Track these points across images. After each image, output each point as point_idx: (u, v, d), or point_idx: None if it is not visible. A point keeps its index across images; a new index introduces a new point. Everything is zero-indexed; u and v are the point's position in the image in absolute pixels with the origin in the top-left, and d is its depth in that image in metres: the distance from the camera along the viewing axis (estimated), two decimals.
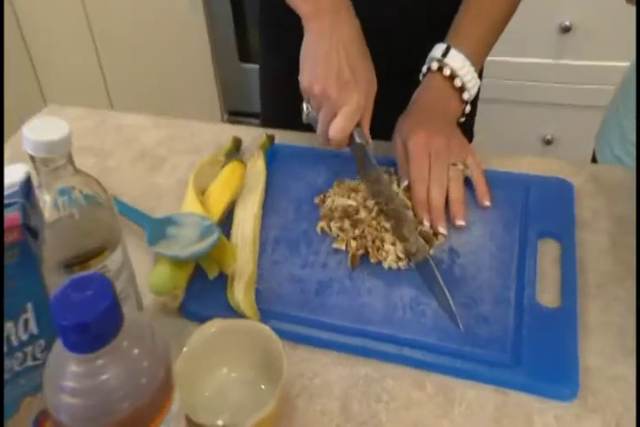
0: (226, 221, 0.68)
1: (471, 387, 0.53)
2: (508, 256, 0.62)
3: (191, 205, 0.67)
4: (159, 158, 0.82)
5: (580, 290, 0.59)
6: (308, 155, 0.76)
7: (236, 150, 0.79)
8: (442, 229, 0.64)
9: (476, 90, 0.73)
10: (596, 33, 1.51)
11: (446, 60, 0.71)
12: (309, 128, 0.81)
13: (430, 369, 0.54)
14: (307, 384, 0.54)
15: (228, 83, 1.96)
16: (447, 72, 0.71)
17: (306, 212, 0.69)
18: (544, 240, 0.64)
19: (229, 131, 0.84)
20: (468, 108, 0.74)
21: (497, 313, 0.57)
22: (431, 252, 0.63)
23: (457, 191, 0.67)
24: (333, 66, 0.64)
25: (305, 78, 0.66)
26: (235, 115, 2.03)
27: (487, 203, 0.67)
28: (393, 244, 0.62)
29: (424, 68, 0.74)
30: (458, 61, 0.71)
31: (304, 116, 0.71)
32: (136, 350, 0.38)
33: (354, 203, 0.66)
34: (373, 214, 0.65)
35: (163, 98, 1.97)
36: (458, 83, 0.71)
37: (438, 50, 0.72)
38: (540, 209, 0.66)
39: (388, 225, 0.64)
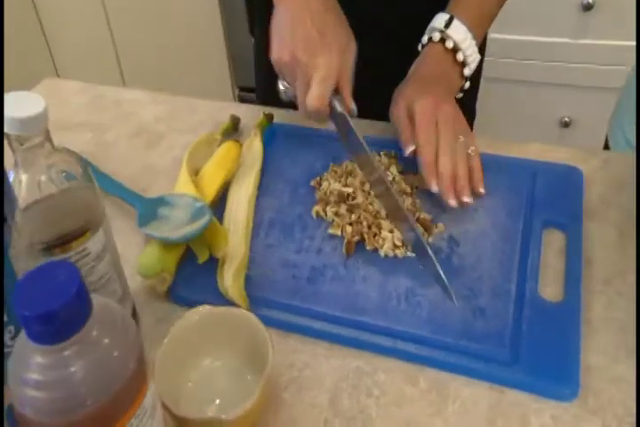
0: (219, 203, 0.65)
1: (466, 383, 0.50)
2: (511, 246, 0.59)
3: (184, 185, 0.65)
4: (157, 135, 0.79)
5: (584, 284, 0.56)
6: (308, 135, 0.73)
7: (234, 129, 0.77)
8: (452, 202, 0.60)
9: (476, 65, 0.69)
10: (619, 11, 1.45)
11: (449, 31, 0.67)
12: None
13: (424, 363, 0.52)
14: (296, 376, 0.52)
15: (238, 58, 1.92)
16: (450, 45, 0.67)
17: (302, 195, 0.66)
18: (549, 230, 0.61)
19: (230, 108, 0.81)
20: (467, 85, 0.70)
21: (496, 306, 0.54)
22: (430, 240, 0.60)
23: (463, 167, 0.62)
24: (299, 32, 0.61)
25: (274, 51, 0.63)
26: (245, 90, 1.99)
27: (482, 190, 0.63)
28: (390, 231, 0.59)
29: (424, 39, 0.70)
30: (460, 33, 0.67)
31: (282, 95, 0.67)
32: (106, 340, 0.36)
33: (350, 190, 0.63)
34: (371, 199, 0.62)
35: (173, 72, 1.94)
36: (460, 57, 0.67)
37: (440, 20, 0.68)
38: (546, 197, 0.63)
39: (383, 212, 0.61)
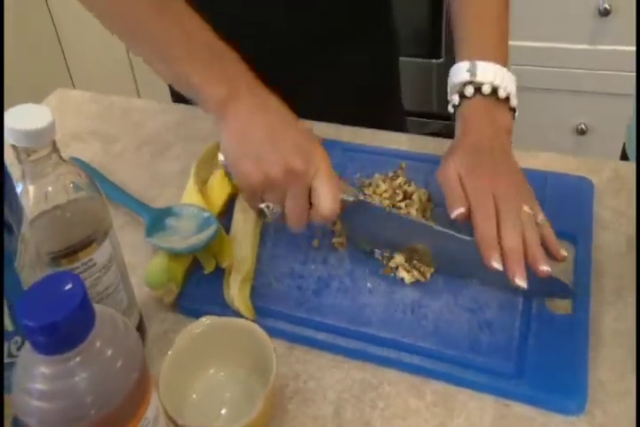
0: (227, 213, 0.65)
1: (472, 397, 0.50)
2: None
3: (191, 195, 0.65)
4: (165, 145, 0.80)
5: (594, 296, 0.56)
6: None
7: None
8: (520, 282, 0.51)
9: (515, 88, 0.63)
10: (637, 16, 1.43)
11: (478, 78, 0.61)
12: (314, 116, 0.77)
13: (429, 376, 0.51)
14: (300, 387, 0.52)
15: None
16: (487, 90, 0.61)
17: None
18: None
19: None
20: (516, 114, 0.64)
21: (503, 319, 0.54)
22: None
23: (533, 234, 0.54)
24: (282, 140, 0.53)
25: (252, 172, 0.53)
26: None
27: (564, 253, 0.55)
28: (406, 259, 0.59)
29: (454, 98, 0.63)
30: (489, 72, 0.61)
31: (267, 218, 0.56)
32: (109, 350, 0.37)
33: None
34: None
35: None
36: (502, 94, 0.61)
37: (462, 72, 0.62)
38: (555, 209, 0.62)
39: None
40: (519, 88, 0.64)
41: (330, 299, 0.57)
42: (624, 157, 0.88)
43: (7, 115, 0.42)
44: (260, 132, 0.54)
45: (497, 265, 0.51)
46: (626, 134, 0.87)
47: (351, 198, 0.56)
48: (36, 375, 0.35)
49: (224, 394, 0.51)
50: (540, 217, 0.56)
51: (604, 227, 0.63)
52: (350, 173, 0.69)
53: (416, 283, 0.57)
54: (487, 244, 0.52)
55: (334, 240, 0.62)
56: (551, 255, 0.54)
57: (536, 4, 1.44)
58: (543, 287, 0.54)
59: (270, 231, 0.64)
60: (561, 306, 0.55)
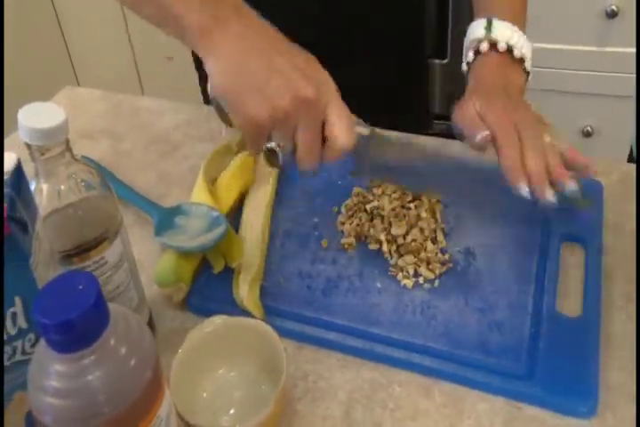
0: (236, 213, 0.66)
1: (482, 398, 0.50)
2: (528, 260, 0.58)
3: (200, 194, 0.65)
4: (174, 144, 0.80)
5: (604, 299, 0.56)
6: None
7: None
8: (550, 197, 0.53)
9: (531, 53, 0.63)
10: None
11: (494, 34, 0.61)
12: None
13: (439, 377, 0.51)
14: (310, 387, 0.52)
15: None
16: (503, 46, 0.61)
17: (319, 204, 0.66)
18: (568, 244, 0.61)
19: None
20: (530, 78, 0.64)
21: (513, 321, 0.54)
22: (446, 257, 0.59)
23: (556, 158, 0.54)
24: (287, 64, 0.47)
25: (257, 107, 0.47)
26: None
27: (594, 168, 0.56)
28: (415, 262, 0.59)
29: (469, 55, 0.63)
30: (506, 31, 0.61)
31: (279, 161, 0.51)
32: (123, 349, 0.37)
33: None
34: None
35: (191, 82, 1.95)
36: (517, 54, 0.61)
37: (478, 28, 0.62)
38: (565, 211, 0.62)
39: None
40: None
41: (339, 299, 0.57)
42: (631, 159, 0.87)
43: (21, 113, 0.42)
44: (256, 59, 0.47)
45: (525, 190, 0.53)
46: (634, 139, 0.87)
47: (366, 131, 0.53)
48: (51, 373, 0.35)
49: (233, 393, 0.51)
50: (564, 145, 0.56)
51: (614, 230, 0.63)
52: None
53: (425, 283, 0.57)
54: (514, 168, 0.53)
55: (343, 241, 0.61)
56: (583, 170, 0.55)
57: (542, 6, 1.43)
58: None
59: (279, 231, 0.64)
60: (582, 203, 0.56)
